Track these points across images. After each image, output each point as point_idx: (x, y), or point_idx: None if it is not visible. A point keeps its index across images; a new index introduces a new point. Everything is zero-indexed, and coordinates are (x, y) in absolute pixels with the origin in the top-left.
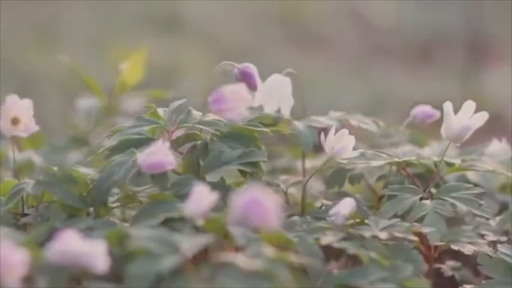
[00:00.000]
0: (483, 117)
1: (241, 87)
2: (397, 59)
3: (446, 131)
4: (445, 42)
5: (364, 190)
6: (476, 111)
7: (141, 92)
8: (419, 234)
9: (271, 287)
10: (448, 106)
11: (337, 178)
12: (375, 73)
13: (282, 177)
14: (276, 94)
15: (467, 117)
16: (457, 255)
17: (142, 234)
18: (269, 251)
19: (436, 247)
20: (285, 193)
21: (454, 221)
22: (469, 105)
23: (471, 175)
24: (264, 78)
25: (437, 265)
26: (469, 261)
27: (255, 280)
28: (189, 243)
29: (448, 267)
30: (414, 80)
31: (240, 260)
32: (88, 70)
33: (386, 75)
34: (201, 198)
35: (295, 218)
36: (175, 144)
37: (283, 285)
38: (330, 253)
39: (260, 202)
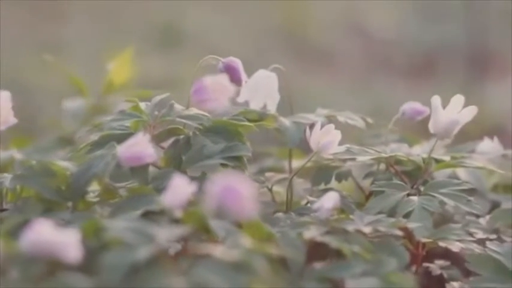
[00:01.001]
0: (472, 111)
1: (222, 78)
2: (399, 73)
3: (434, 126)
4: (447, 56)
5: (353, 189)
6: (478, 124)
7: (129, 92)
8: (406, 232)
9: (248, 278)
10: (436, 101)
11: (324, 175)
12: (378, 87)
13: (268, 174)
14: (262, 90)
15: (456, 112)
16: (447, 255)
17: (118, 226)
18: (247, 242)
19: (424, 245)
20: (270, 190)
21: (443, 220)
22: (458, 99)
23: (462, 174)
24: None
25: (425, 264)
26: (458, 261)
27: (232, 271)
28: (165, 234)
29: (436, 266)
30: (417, 94)
31: (217, 251)
32: (89, 84)
33: (389, 89)
34: (179, 190)
35: (280, 214)
36: (158, 139)
37: (260, 276)
38: (318, 252)
39: (235, 189)
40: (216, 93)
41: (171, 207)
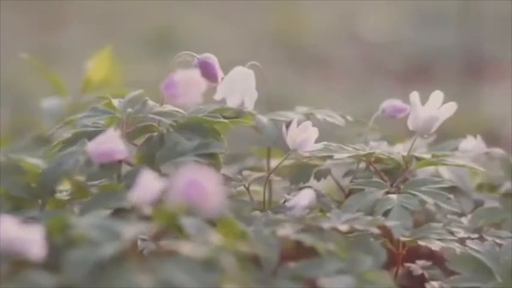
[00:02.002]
0: (451, 108)
1: (194, 73)
2: (396, 78)
3: (413, 122)
4: (443, 61)
5: (336, 190)
6: (473, 129)
7: (107, 90)
8: (386, 231)
9: (216, 276)
10: (414, 96)
11: (302, 174)
12: (374, 92)
13: (245, 172)
14: (239, 87)
15: (435, 108)
16: (431, 256)
17: (84, 223)
18: (216, 239)
19: (404, 244)
20: (247, 188)
21: (424, 219)
22: (437, 95)
23: (445, 173)
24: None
25: (406, 264)
26: (440, 261)
27: (200, 269)
28: (132, 231)
29: (418, 266)
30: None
31: (185, 248)
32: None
33: (385, 94)
34: (147, 186)
35: (256, 213)
36: (131, 136)
37: (229, 274)
38: (299, 252)
39: (200, 184)
40: (188, 88)
41: (139, 203)
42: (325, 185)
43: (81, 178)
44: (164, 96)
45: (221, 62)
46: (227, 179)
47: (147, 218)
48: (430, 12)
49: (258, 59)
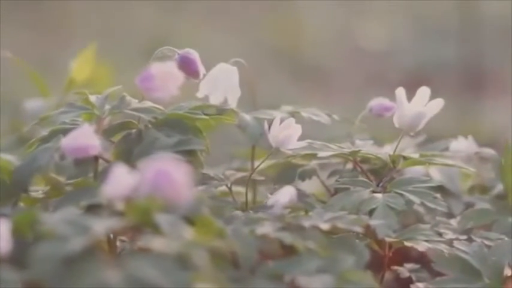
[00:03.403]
0: (438, 104)
1: (170, 66)
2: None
3: (399, 119)
4: (443, 73)
5: (325, 193)
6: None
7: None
8: (372, 232)
9: (188, 272)
10: (400, 93)
11: (286, 174)
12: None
13: (228, 172)
14: (221, 84)
15: (422, 105)
16: (418, 258)
17: (53, 218)
18: (188, 234)
19: (390, 246)
20: (230, 188)
21: (413, 222)
22: (424, 91)
23: (436, 175)
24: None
25: (394, 267)
26: (429, 264)
27: (171, 265)
28: (101, 226)
29: (405, 269)
30: None
31: (157, 243)
32: None
33: None
34: (120, 180)
35: (238, 212)
36: (109, 133)
37: (202, 271)
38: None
39: (168, 174)
40: (164, 82)
41: (111, 198)
42: (314, 187)
43: (56, 176)
44: (140, 90)
45: None
46: (208, 179)
47: (120, 214)
48: (431, 24)
49: (256, 70)
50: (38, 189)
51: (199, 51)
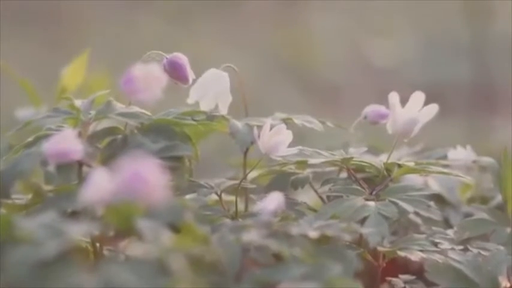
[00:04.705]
0: (432, 109)
1: (154, 67)
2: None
3: (393, 125)
4: (454, 91)
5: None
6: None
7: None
8: (364, 241)
9: (166, 278)
10: (393, 98)
11: (278, 182)
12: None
13: (217, 180)
14: (212, 90)
15: (416, 110)
16: (413, 270)
17: (29, 223)
18: (168, 240)
19: (384, 256)
20: (220, 196)
21: (408, 231)
22: (418, 97)
23: (434, 185)
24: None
25: (388, 278)
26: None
27: (148, 269)
28: (77, 230)
29: (400, 280)
30: (423, 128)
31: (135, 248)
32: None
33: None
34: (99, 184)
35: (226, 220)
36: (94, 138)
37: (180, 277)
38: None
39: (142, 175)
40: (147, 84)
41: (90, 203)
42: (308, 198)
43: (39, 183)
44: (123, 92)
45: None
46: (198, 186)
47: (100, 219)
48: (442, 41)
49: (267, 85)
50: (22, 197)
51: (209, 66)
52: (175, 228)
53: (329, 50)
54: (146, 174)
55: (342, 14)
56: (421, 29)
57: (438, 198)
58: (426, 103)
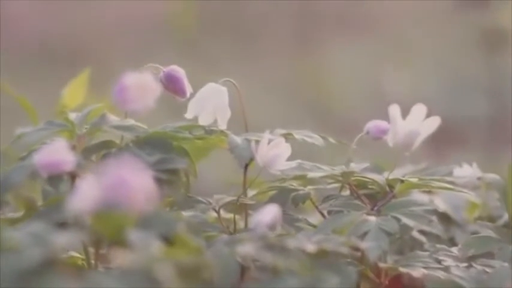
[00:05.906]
0: (434, 122)
1: (146, 77)
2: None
3: (393, 138)
4: (471, 126)
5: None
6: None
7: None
8: (366, 258)
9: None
10: (394, 110)
11: (279, 198)
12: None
13: (216, 196)
14: (211, 104)
15: (417, 122)
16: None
17: (16, 232)
18: (157, 250)
19: (386, 273)
20: (218, 212)
21: (411, 248)
22: (419, 109)
23: (440, 204)
24: None
25: None
26: None
27: (135, 279)
28: (62, 239)
29: None
30: (441, 162)
31: (123, 258)
32: None
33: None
34: (86, 193)
35: (224, 236)
36: (89, 152)
37: (165, 285)
38: None
39: (126, 181)
40: (140, 93)
41: (78, 211)
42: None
43: (31, 196)
44: (115, 102)
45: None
46: (195, 202)
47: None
48: (461, 77)
49: (285, 123)
50: (16, 212)
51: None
52: (168, 240)
53: (347, 83)
54: (130, 178)
55: (361, 50)
56: (440, 64)
57: (444, 217)
58: (444, 137)
